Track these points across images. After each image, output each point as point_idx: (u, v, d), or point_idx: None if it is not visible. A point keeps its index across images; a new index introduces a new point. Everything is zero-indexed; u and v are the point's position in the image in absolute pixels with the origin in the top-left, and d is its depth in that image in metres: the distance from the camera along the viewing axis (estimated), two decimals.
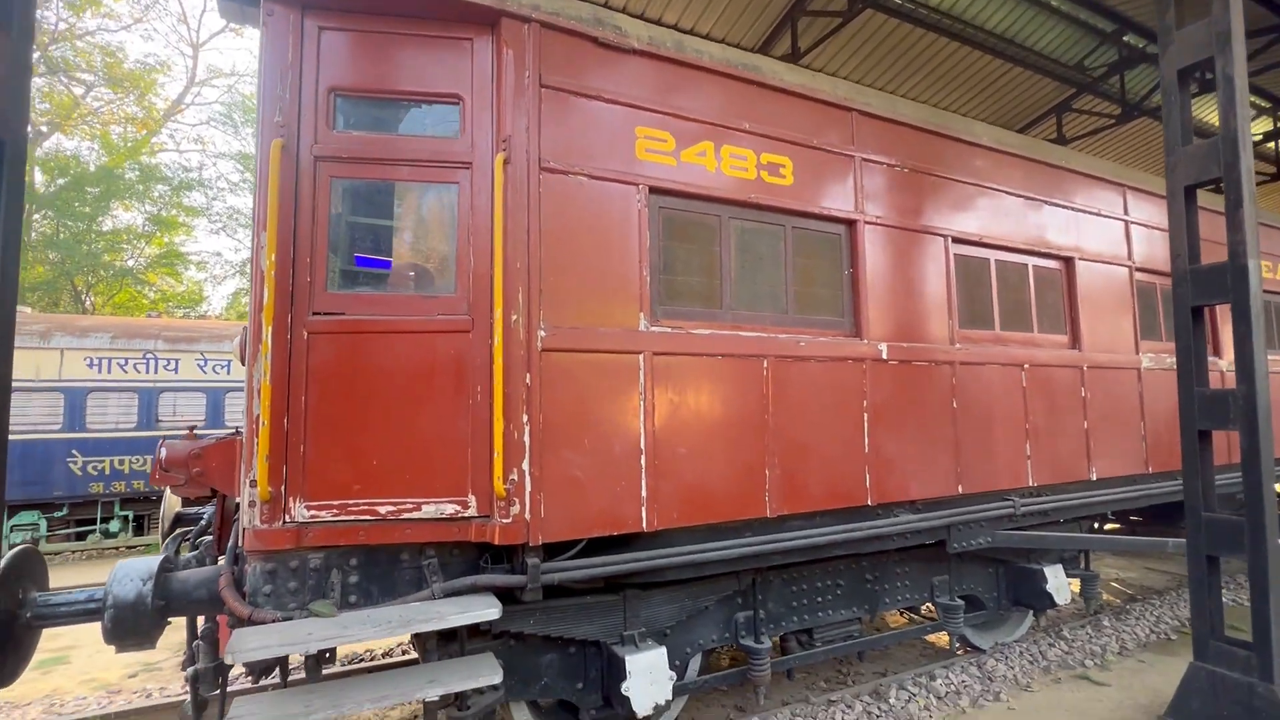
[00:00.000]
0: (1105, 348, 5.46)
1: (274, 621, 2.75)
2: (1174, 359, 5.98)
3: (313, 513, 2.87)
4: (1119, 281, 5.63)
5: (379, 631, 2.69)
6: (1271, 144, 12.42)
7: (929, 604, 4.94)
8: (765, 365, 3.71)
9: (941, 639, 5.78)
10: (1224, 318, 6.47)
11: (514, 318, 3.04)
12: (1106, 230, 5.63)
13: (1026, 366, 4.89)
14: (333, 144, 3.05)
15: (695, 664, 4.16)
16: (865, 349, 4.10)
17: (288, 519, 2.85)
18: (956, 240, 4.70)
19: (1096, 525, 6.30)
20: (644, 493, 3.28)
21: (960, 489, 4.45)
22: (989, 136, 4.96)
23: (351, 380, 2.95)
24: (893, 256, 4.33)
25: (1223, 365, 6.36)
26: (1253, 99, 11.67)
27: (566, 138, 3.28)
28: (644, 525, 3.28)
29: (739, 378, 3.64)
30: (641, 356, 3.34)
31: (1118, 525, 7.60)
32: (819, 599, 4.45)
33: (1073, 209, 5.43)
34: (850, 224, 4.20)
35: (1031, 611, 5.54)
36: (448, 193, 3.18)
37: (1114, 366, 5.47)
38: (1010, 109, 10.82)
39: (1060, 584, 5.18)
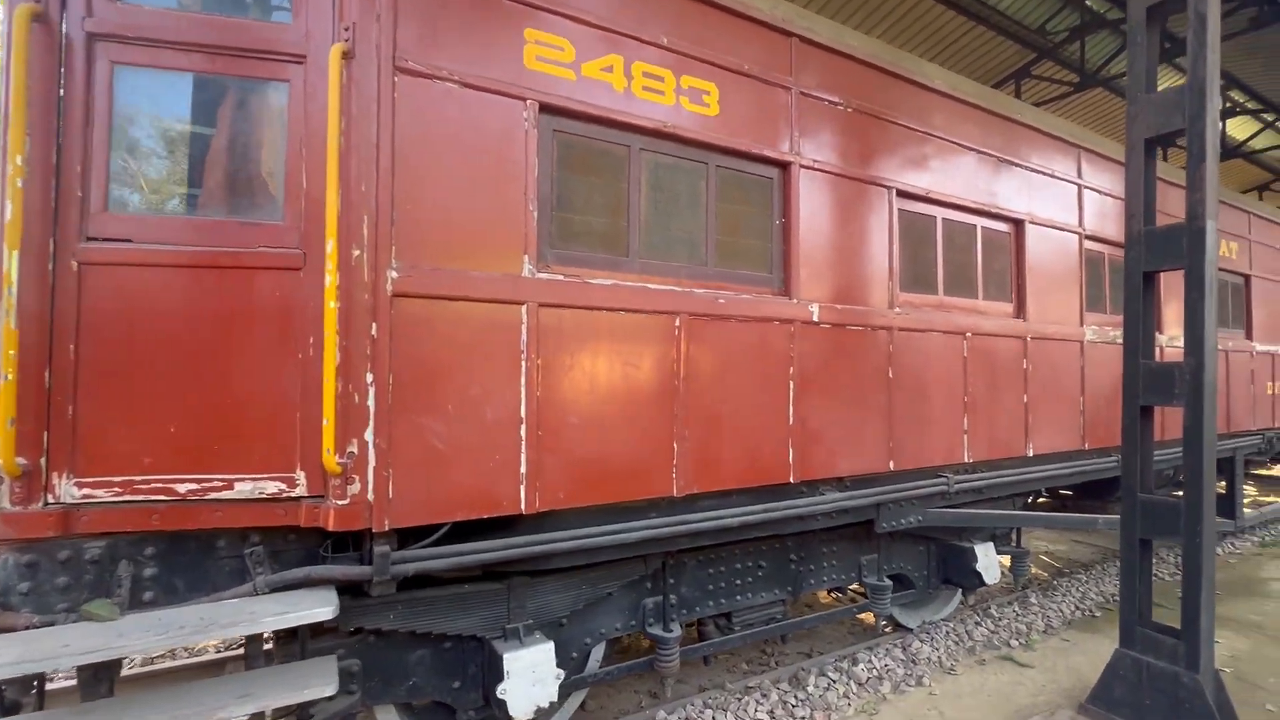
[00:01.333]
0: (1051, 318, 5.19)
1: (26, 628, 2.18)
2: (1117, 332, 5.80)
3: (86, 492, 2.27)
4: (1069, 249, 5.33)
5: (164, 640, 2.15)
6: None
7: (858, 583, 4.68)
8: (678, 324, 3.22)
9: (870, 616, 5.57)
10: (1168, 291, 6.30)
11: (355, 253, 2.45)
12: (1059, 194, 5.31)
13: (969, 335, 4.56)
14: (114, 19, 2.35)
15: (598, 653, 3.76)
16: (794, 309, 3.66)
17: (50, 500, 2.24)
18: (902, 194, 4.27)
19: (1030, 501, 6.16)
20: (524, 469, 2.79)
21: (892, 465, 4.12)
22: (943, 81, 4.50)
23: (141, 326, 2.33)
24: (830, 207, 3.87)
25: (1162, 340, 6.21)
26: (1254, 105, 11.59)
27: (433, 33, 2.64)
28: (523, 507, 2.79)
29: (646, 337, 3.14)
30: (524, 308, 2.80)
31: (1048, 500, 7.55)
32: (738, 581, 4.09)
33: (1026, 168, 5.06)
34: (784, 167, 3.70)
35: (960, 590, 5.35)
36: (276, 93, 2.53)
37: (1058, 338, 5.21)
38: (970, 70, 10.43)
39: (990, 563, 4.97)
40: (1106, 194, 5.74)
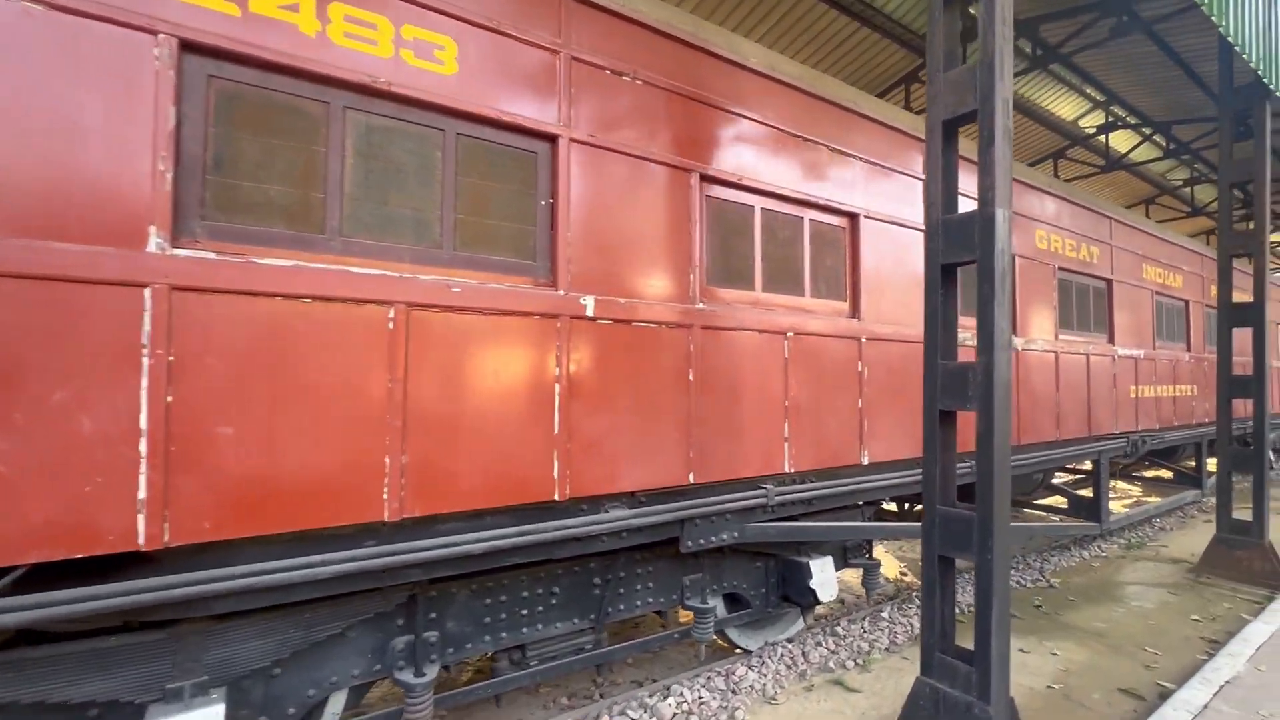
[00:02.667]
0: (892, 319, 4.94)
1: None
2: (967, 334, 5.65)
3: None
4: (909, 246, 5.11)
5: None
6: (1103, 137, 12.91)
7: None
8: (393, 315, 2.71)
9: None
10: (1026, 292, 6.22)
11: None
12: (901, 188, 5.09)
13: (791, 335, 4.23)
14: None
15: (337, 704, 3.19)
16: (562, 302, 3.21)
17: None
18: (710, 179, 3.90)
19: (879, 510, 5.93)
20: (144, 493, 2.21)
21: (693, 478, 3.72)
22: (760, 59, 4.18)
23: None
24: (615, 189, 3.45)
25: (1019, 344, 6.12)
26: (1088, 90, 12.02)
27: None
28: (142, 541, 2.21)
29: (345, 329, 2.62)
30: (149, 291, 2.23)
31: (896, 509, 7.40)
32: (524, 611, 3.60)
33: (864, 160, 4.81)
34: (551, 140, 3.25)
35: (800, 609, 5.02)
36: None
37: (900, 340, 4.97)
38: (858, 76, 10.40)
39: (826, 579, 4.65)
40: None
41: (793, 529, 4.30)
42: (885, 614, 5.56)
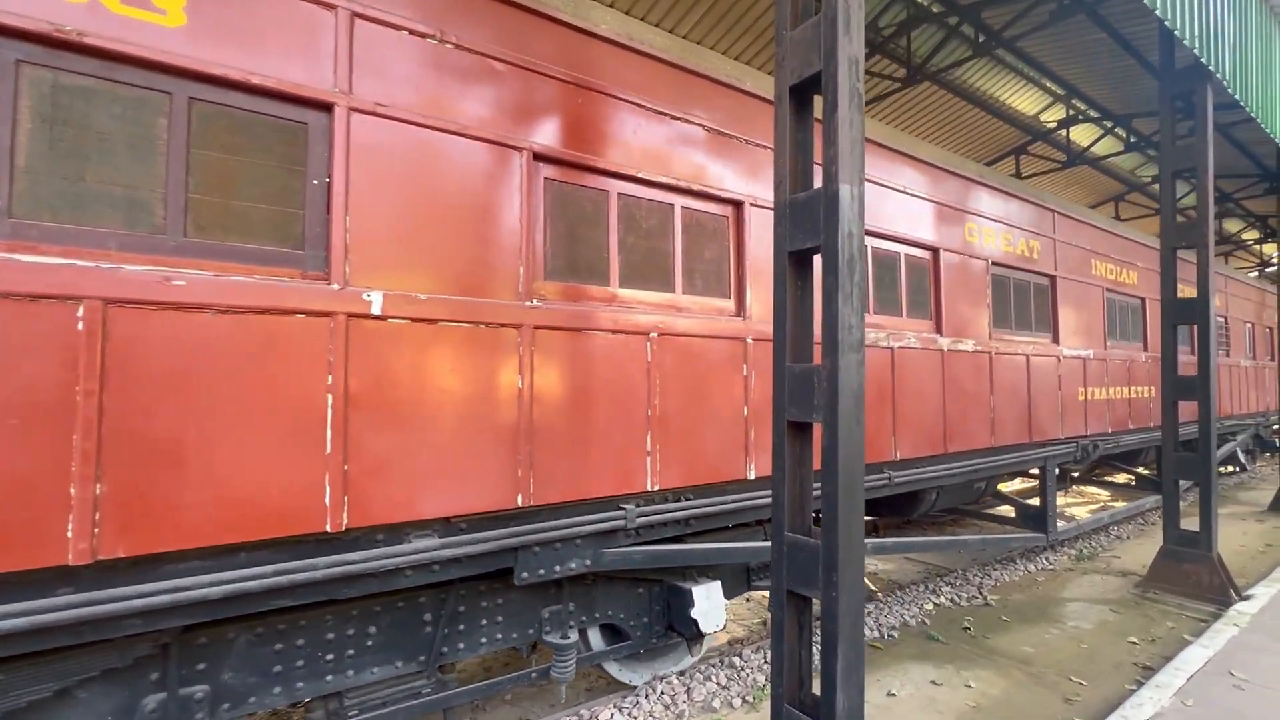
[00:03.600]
0: None
1: None
2: (878, 334, 5.21)
3: None
4: None
5: None
6: (1064, 131, 12.57)
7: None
8: (82, 314, 2.23)
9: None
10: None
11: None
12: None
13: (655, 335, 3.76)
14: None
15: None
16: (337, 297, 2.73)
17: None
18: (547, 159, 3.44)
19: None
20: None
21: (522, 500, 3.24)
22: (614, 27, 3.72)
23: None
24: (414, 167, 2.98)
25: (944, 344, 5.68)
26: (1049, 84, 11.67)
27: None
28: None
29: (15, 333, 2.14)
30: None
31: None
32: (330, 656, 3.11)
33: (750, 144, 4.36)
34: (325, 109, 2.78)
35: (686, 641, 4.54)
36: None
37: None
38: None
39: (711, 607, 4.17)
40: (867, 179, 5.14)
41: (661, 553, 3.83)
42: None
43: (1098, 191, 16.19)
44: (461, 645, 3.52)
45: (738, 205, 4.27)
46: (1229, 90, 6.35)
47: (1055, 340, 7.21)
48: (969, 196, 6.11)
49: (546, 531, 3.36)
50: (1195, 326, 6.18)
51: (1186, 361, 9.85)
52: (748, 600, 6.19)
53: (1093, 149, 12.73)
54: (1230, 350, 11.98)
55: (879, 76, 9.67)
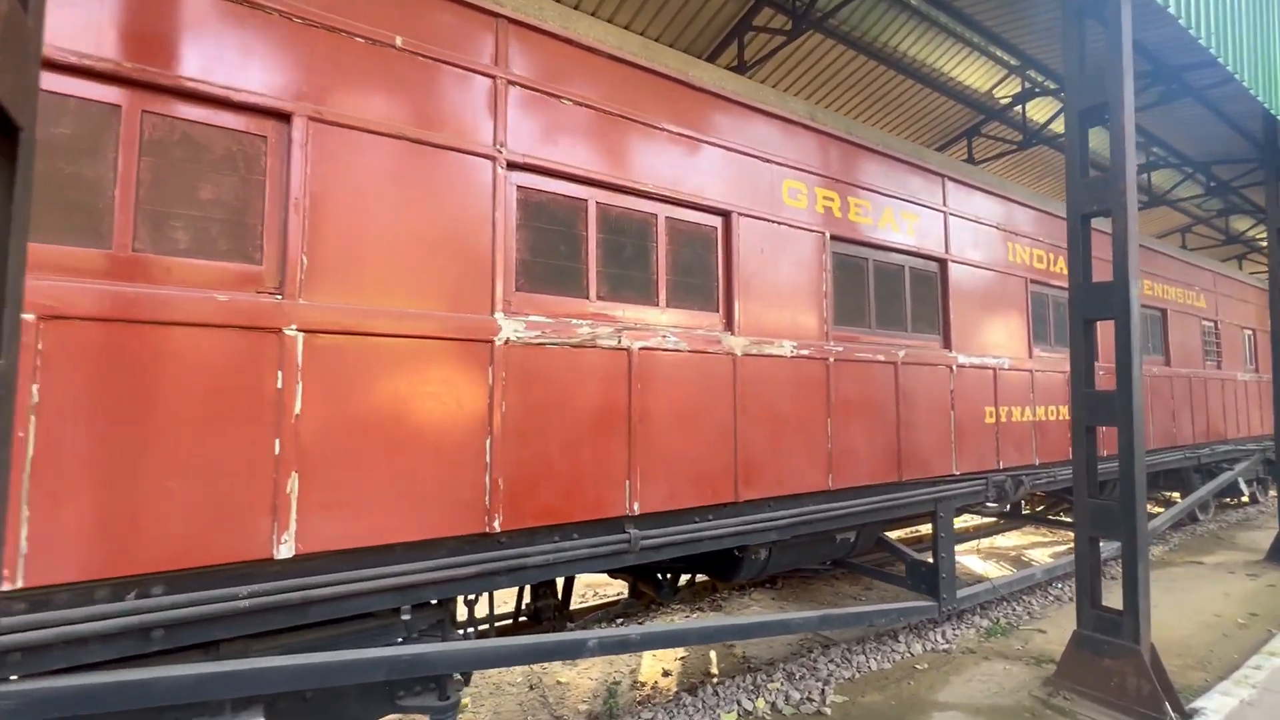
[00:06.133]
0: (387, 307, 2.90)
1: None
2: (598, 328, 3.58)
3: None
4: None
5: None
6: (1019, 108, 10.85)
7: None
8: None
9: None
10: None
11: None
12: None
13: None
14: None
15: None
16: None
17: None
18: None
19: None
20: None
21: None
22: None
23: None
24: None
25: (736, 346, 4.03)
26: (1000, 54, 10.01)
27: None
28: None
29: None
30: None
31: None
32: None
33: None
34: None
35: None
36: None
37: (421, 335, 2.93)
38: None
39: None
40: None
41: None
42: None
43: (1060, 173, 14.34)
44: None
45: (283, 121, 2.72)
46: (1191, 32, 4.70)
47: (946, 344, 5.49)
48: (791, 144, 4.48)
49: None
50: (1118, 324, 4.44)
51: (1159, 374, 8.00)
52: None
53: (1052, 126, 10.98)
54: (1223, 361, 10.04)
55: (765, 31, 8.13)
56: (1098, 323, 4.61)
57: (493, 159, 3.17)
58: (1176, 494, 10.95)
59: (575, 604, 6.51)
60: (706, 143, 3.98)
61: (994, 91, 10.97)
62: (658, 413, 3.63)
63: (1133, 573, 4.19)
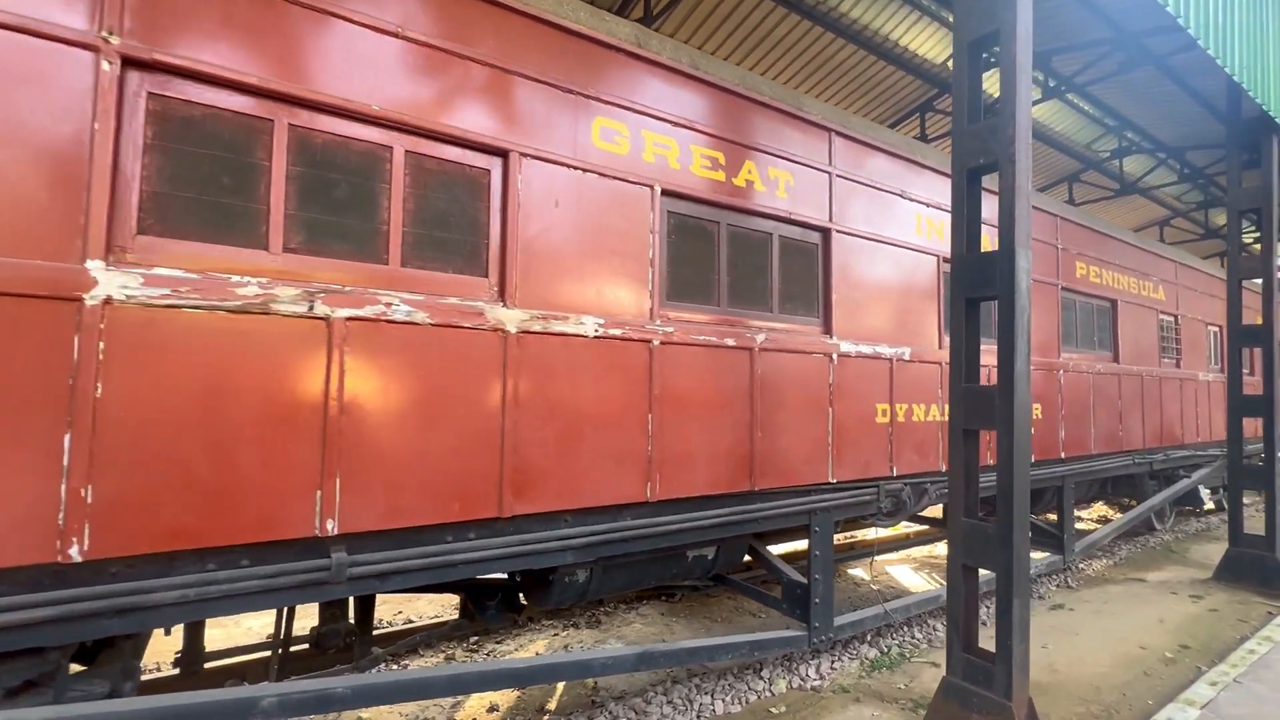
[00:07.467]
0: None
1: None
2: (286, 291, 2.69)
3: None
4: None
5: None
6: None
7: None
8: None
9: None
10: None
11: None
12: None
13: None
14: None
15: None
16: None
17: None
18: None
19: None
20: None
21: None
22: None
23: None
24: None
25: (506, 318, 3.19)
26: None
27: None
28: None
29: None
30: None
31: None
32: None
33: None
34: None
35: None
36: None
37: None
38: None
39: None
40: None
41: None
42: None
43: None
44: None
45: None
46: None
47: (827, 329, 4.65)
48: (608, 75, 3.61)
49: None
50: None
51: (1104, 372, 7.20)
52: None
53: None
54: (1183, 359, 9.26)
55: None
56: (986, 302, 3.79)
57: (96, 50, 2.30)
58: (1136, 502, 10.21)
59: (400, 625, 5.71)
60: (474, 60, 3.12)
61: (948, 64, 10.12)
62: (376, 404, 2.79)
63: (1007, 612, 3.39)
